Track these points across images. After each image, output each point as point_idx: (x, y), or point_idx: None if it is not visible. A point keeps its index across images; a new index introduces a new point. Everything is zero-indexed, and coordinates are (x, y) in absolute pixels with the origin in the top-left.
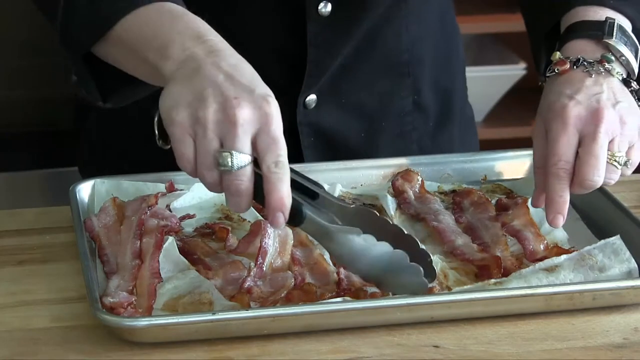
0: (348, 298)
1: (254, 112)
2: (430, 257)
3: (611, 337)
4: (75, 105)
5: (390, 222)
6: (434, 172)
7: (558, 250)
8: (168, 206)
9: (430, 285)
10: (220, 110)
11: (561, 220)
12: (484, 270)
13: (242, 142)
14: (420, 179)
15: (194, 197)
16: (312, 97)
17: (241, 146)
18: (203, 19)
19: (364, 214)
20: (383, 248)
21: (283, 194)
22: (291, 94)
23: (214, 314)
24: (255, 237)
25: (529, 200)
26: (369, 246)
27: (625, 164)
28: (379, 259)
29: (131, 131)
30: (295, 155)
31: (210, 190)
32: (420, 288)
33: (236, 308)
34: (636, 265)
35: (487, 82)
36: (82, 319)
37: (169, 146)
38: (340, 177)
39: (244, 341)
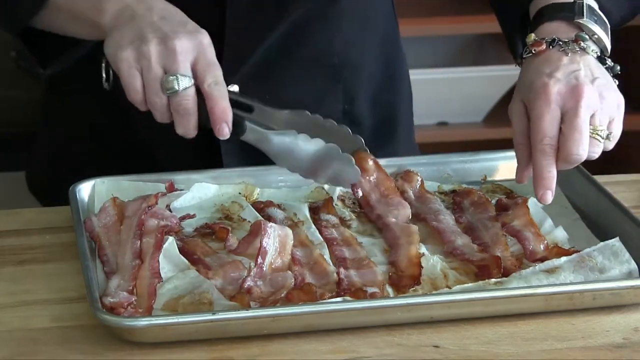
0: (348, 298)
1: (190, 41)
2: (362, 142)
3: (611, 337)
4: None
5: (322, 118)
6: (434, 172)
7: (558, 251)
8: (168, 206)
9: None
10: (160, 44)
11: (550, 196)
12: (484, 270)
13: (184, 66)
14: (420, 179)
15: (194, 197)
16: (233, 87)
17: (183, 70)
18: None
19: (297, 115)
20: (317, 143)
21: (225, 105)
22: None
23: (214, 314)
24: (255, 238)
25: (529, 200)
26: (304, 143)
27: (607, 137)
28: (314, 154)
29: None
30: (212, 149)
31: (160, 119)
32: (353, 176)
33: (236, 308)
34: (636, 266)
35: (487, 82)
36: (82, 319)
37: (110, 88)
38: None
39: (244, 341)
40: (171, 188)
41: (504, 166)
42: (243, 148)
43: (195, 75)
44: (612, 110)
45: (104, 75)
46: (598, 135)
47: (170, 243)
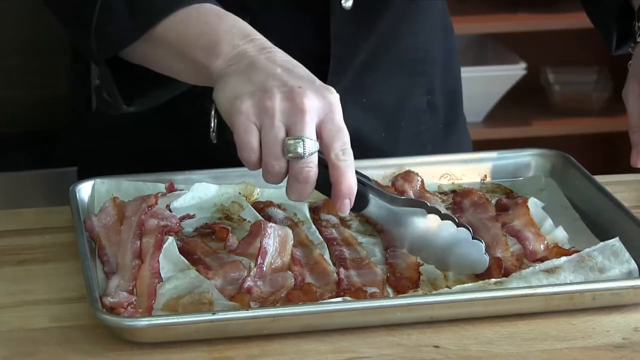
0: (348, 298)
1: (319, 100)
2: (483, 246)
3: (611, 337)
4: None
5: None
6: (434, 172)
7: (558, 250)
8: (168, 206)
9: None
10: (286, 99)
11: None
12: (485, 270)
13: (311, 128)
14: (420, 179)
15: (194, 197)
16: None
17: (310, 133)
18: (244, 20)
19: (415, 204)
20: (447, 226)
21: (351, 181)
22: None
23: (214, 314)
24: (255, 238)
25: (529, 200)
26: (435, 226)
27: None
28: (444, 237)
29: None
30: None
31: (271, 181)
32: (481, 264)
33: (236, 308)
34: (636, 266)
35: (487, 82)
36: (82, 319)
37: (216, 141)
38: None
39: (244, 341)
40: (171, 188)
41: (504, 166)
42: None
43: (320, 140)
44: None
45: (212, 125)
46: None
47: (170, 243)
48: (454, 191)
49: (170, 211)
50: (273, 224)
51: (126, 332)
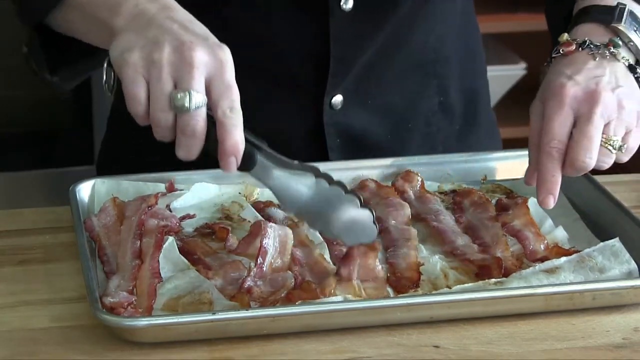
0: (348, 297)
1: (209, 56)
2: (373, 214)
3: (611, 337)
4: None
5: (333, 178)
6: (434, 172)
7: (558, 250)
8: (168, 206)
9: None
10: (175, 52)
11: (552, 201)
12: (485, 270)
13: (199, 82)
14: (420, 179)
15: (194, 197)
16: (338, 98)
17: (198, 86)
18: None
19: (309, 168)
20: (335, 192)
21: (237, 138)
22: (317, 95)
23: (214, 314)
24: (255, 238)
25: (529, 200)
26: (323, 191)
27: (620, 148)
28: (331, 203)
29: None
30: (320, 157)
31: (160, 137)
32: (369, 235)
33: (236, 308)
34: (636, 267)
35: None
36: (82, 319)
37: (111, 93)
38: (340, 177)
39: (244, 341)
40: (171, 188)
41: (504, 166)
42: (350, 151)
43: (208, 96)
44: (630, 122)
45: (104, 77)
46: (610, 145)
47: (170, 243)
48: (454, 191)
49: (170, 211)
50: (273, 224)
51: (126, 332)
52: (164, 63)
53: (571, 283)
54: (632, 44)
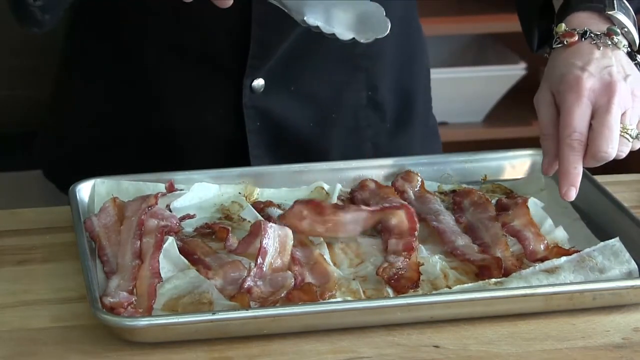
0: (348, 298)
1: None
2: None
3: (611, 337)
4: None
5: None
6: (434, 172)
7: (558, 251)
8: (168, 206)
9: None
10: None
11: (574, 193)
12: (485, 270)
13: None
14: (420, 179)
15: (194, 197)
16: (259, 82)
17: None
18: None
19: None
20: None
21: None
22: (237, 76)
23: (214, 314)
24: (255, 238)
25: (529, 200)
26: None
27: (637, 137)
28: None
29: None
30: (239, 139)
31: None
32: (381, 28)
33: (236, 308)
34: (636, 266)
35: (487, 82)
36: (82, 319)
37: None
38: (340, 177)
39: (244, 341)
40: (171, 188)
41: (504, 166)
42: (271, 145)
43: None
44: None
45: None
46: (627, 134)
47: (170, 243)
48: (454, 191)
49: (170, 211)
50: (273, 224)
51: (126, 332)
52: None
53: (571, 283)
54: (626, 29)
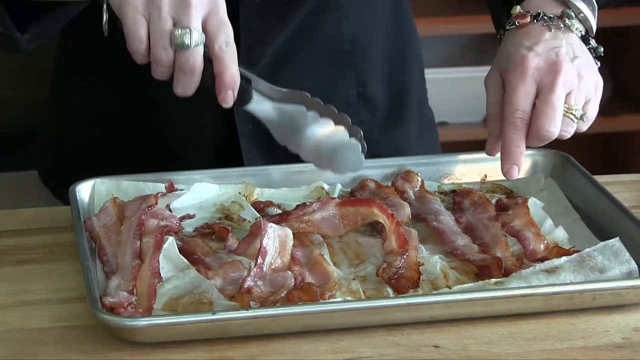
0: (348, 298)
1: None
2: (361, 132)
3: (611, 337)
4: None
5: (322, 103)
6: (434, 172)
7: (558, 251)
8: (168, 206)
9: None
10: None
11: (516, 172)
12: (485, 270)
13: (196, 20)
14: (420, 179)
15: (194, 197)
16: None
17: (196, 24)
18: None
19: (298, 96)
20: (325, 124)
21: (234, 71)
22: None
23: (214, 314)
24: (255, 238)
25: (529, 200)
26: (312, 121)
27: (582, 117)
28: (319, 134)
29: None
30: (231, 142)
31: (159, 75)
32: (357, 165)
33: (236, 308)
34: (636, 266)
35: None
36: (82, 319)
37: (107, 34)
38: (340, 177)
39: (244, 341)
40: (171, 188)
41: None
42: (263, 147)
43: (205, 34)
44: (589, 91)
45: (105, 17)
46: (572, 114)
47: (170, 243)
48: (454, 191)
49: (170, 211)
50: (273, 224)
51: (126, 332)
52: (163, 2)
53: (571, 283)
54: (582, 15)
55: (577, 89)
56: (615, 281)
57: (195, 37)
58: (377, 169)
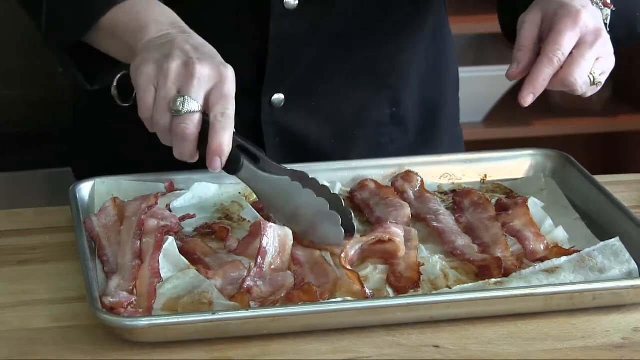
0: (348, 298)
1: (211, 71)
2: (351, 214)
3: (611, 337)
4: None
5: (319, 182)
6: (434, 172)
7: (558, 251)
8: (168, 206)
9: (346, 239)
10: (182, 65)
11: (531, 100)
12: (485, 270)
13: (196, 91)
14: (420, 179)
15: (194, 197)
16: (279, 97)
17: (194, 94)
18: (173, 10)
19: (298, 173)
20: (307, 195)
21: (224, 139)
22: (256, 91)
23: (214, 314)
24: (255, 239)
25: (529, 200)
26: (294, 191)
27: (596, 83)
28: (302, 204)
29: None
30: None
31: (163, 141)
32: (336, 237)
33: (236, 308)
34: (636, 266)
35: (487, 82)
36: (82, 319)
37: (125, 104)
38: (340, 177)
39: (244, 341)
40: (171, 188)
41: (504, 166)
42: (290, 152)
43: (207, 105)
44: (609, 65)
45: (115, 90)
46: (592, 75)
47: (170, 243)
48: (454, 191)
49: (170, 211)
50: (273, 224)
51: (126, 332)
52: (170, 73)
53: (571, 283)
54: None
55: (603, 59)
56: (615, 281)
57: (189, 104)
58: (377, 169)
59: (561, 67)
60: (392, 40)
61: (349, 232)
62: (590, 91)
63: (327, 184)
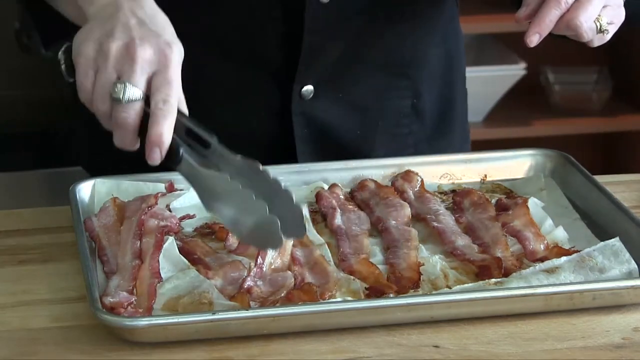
0: (348, 298)
1: (154, 53)
2: (302, 213)
3: (611, 337)
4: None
5: (270, 176)
6: (434, 172)
7: (558, 251)
8: (168, 206)
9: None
10: (123, 47)
11: (537, 40)
12: (485, 270)
13: (138, 78)
14: (420, 179)
15: (194, 197)
16: (308, 88)
17: (135, 81)
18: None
19: (249, 165)
20: (245, 195)
21: (163, 129)
22: (287, 82)
23: (214, 314)
24: None
25: (529, 200)
26: (233, 191)
27: (602, 31)
28: (239, 206)
29: None
30: (287, 145)
31: (105, 126)
32: (275, 241)
33: (236, 308)
34: (636, 266)
35: (487, 82)
36: (82, 319)
37: (73, 79)
38: (340, 177)
39: (244, 341)
40: (171, 188)
41: (504, 166)
42: (317, 149)
43: (149, 89)
44: (619, 16)
45: (62, 65)
46: (599, 22)
47: (170, 243)
48: (453, 191)
49: (170, 211)
50: None
51: (126, 332)
52: (110, 55)
53: (571, 283)
54: None
55: (611, 7)
56: (615, 281)
57: (129, 93)
58: (377, 169)
59: (568, 10)
60: (413, 32)
61: (297, 234)
62: (597, 40)
63: (326, 186)
